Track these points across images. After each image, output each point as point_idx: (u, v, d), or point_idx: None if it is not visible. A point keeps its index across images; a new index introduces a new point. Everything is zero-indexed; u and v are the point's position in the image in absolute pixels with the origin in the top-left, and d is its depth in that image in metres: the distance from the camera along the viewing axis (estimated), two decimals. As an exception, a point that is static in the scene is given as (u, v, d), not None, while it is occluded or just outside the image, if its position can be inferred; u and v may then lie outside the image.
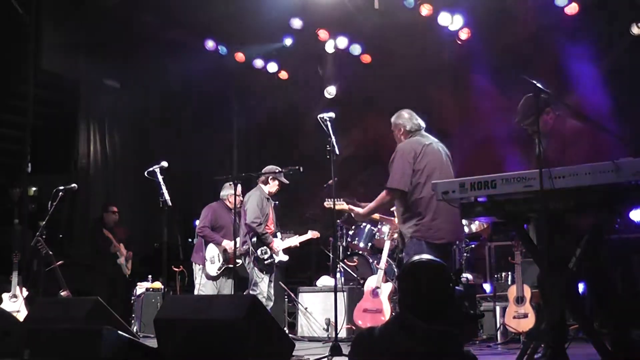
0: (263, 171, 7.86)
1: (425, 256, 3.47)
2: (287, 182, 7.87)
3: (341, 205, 6.48)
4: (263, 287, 7.59)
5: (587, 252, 4.33)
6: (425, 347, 2.99)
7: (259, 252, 7.63)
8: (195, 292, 8.42)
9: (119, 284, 9.65)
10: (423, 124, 6.05)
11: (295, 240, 8.23)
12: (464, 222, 7.61)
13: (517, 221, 4.51)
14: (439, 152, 5.90)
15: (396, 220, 6.29)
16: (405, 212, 5.76)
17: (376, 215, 6.75)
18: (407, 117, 6.05)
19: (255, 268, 7.63)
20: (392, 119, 6.11)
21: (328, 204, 6.71)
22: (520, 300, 7.24)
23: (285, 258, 7.95)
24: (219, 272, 8.30)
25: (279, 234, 7.97)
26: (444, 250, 5.70)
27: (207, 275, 8.35)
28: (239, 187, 7.80)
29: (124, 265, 9.66)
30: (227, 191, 8.49)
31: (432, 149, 5.87)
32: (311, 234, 8.37)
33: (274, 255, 7.68)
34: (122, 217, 10.03)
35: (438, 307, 3.17)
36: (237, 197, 7.42)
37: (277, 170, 7.74)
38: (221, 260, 8.30)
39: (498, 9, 9.31)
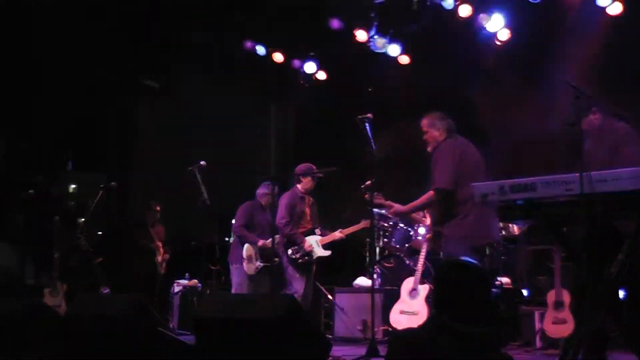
0: (297, 170, 7.89)
1: (463, 257, 3.46)
2: (321, 174, 7.84)
3: (379, 199, 6.42)
4: (298, 286, 7.61)
5: (629, 258, 4.27)
6: (465, 349, 2.98)
7: (289, 251, 7.66)
8: (233, 292, 8.48)
9: (156, 281, 9.76)
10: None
11: (343, 233, 8.11)
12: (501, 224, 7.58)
13: (556, 225, 4.48)
14: (477, 153, 5.93)
15: (427, 219, 6.28)
16: (445, 212, 5.76)
17: (415, 215, 6.74)
18: (442, 118, 6.06)
19: (289, 267, 7.66)
20: (426, 121, 6.11)
21: (368, 196, 6.59)
22: (559, 305, 7.15)
23: (326, 253, 7.90)
24: (256, 271, 8.35)
25: (317, 230, 7.95)
26: (482, 252, 5.72)
27: (244, 275, 8.41)
28: (276, 188, 7.85)
29: (159, 265, 9.77)
30: (262, 190, 8.55)
31: (472, 150, 5.90)
32: (363, 223, 8.17)
33: (310, 253, 7.68)
34: (161, 216, 10.14)
35: (475, 309, 3.16)
36: (272, 197, 7.48)
37: (311, 169, 7.77)
38: (259, 259, 8.35)
39: (537, 8, 9.21)
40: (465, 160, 5.80)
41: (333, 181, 8.13)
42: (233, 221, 8.82)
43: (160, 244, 9.78)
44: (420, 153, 6.10)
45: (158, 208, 9.99)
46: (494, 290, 7.18)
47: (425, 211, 6.89)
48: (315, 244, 7.82)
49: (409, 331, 3.27)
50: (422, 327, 3.25)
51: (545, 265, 7.88)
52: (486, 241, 5.83)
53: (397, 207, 6.16)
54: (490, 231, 5.81)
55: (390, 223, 8.43)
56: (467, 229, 5.64)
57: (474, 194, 4.42)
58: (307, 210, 7.93)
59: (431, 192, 5.81)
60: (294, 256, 7.64)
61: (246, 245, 8.42)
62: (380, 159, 6.79)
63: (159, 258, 9.71)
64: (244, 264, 8.39)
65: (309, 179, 7.85)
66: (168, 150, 11.70)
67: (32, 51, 9.87)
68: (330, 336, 8.43)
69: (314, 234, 7.90)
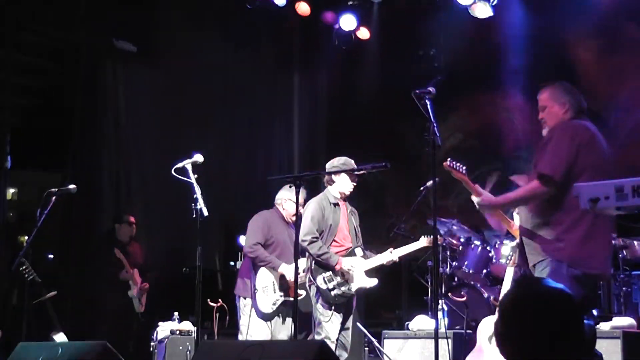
0: (329, 166, 7.89)
1: (547, 281, 3.40)
2: (364, 172, 7.79)
3: (460, 174, 6.36)
4: (330, 329, 7.62)
5: None
6: None
7: (319, 280, 7.68)
8: (241, 336, 8.51)
9: (131, 323, 9.84)
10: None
11: (395, 254, 8.02)
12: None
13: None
14: (605, 148, 5.92)
15: (515, 223, 6.25)
16: (544, 217, 5.75)
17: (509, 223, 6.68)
18: (571, 92, 6.07)
19: (319, 303, 7.68)
20: (547, 93, 6.10)
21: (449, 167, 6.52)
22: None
23: (371, 283, 7.90)
24: (274, 307, 8.38)
25: (358, 250, 7.96)
26: (592, 285, 5.71)
27: (257, 313, 8.45)
28: (302, 194, 7.86)
29: (136, 299, 9.84)
30: (283, 194, 8.59)
31: (601, 143, 5.90)
32: (424, 241, 8.13)
33: (348, 282, 7.68)
34: (138, 232, 10.23)
35: (563, 352, 3.13)
36: (297, 205, 7.44)
37: (349, 165, 7.75)
38: (277, 291, 8.38)
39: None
40: (591, 152, 5.79)
41: (381, 182, 8.12)
42: (242, 238, 8.88)
43: (135, 271, 9.85)
44: (511, 143, 6.08)
45: (132, 220, 10.07)
46: (587, 322, 7.11)
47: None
48: (355, 269, 7.82)
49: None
50: None
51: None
52: (594, 271, 5.79)
53: (486, 196, 6.15)
54: (601, 257, 5.79)
55: (462, 240, 8.41)
56: (570, 249, 5.63)
57: (578, 198, 4.40)
58: (344, 223, 7.93)
59: (535, 182, 5.80)
60: (325, 286, 7.66)
61: (261, 272, 8.46)
62: (447, 150, 6.79)
63: (135, 290, 9.79)
64: (258, 297, 8.43)
65: (345, 178, 7.85)
66: (150, 140, 11.78)
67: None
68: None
69: (354, 255, 7.90)
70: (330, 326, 7.63)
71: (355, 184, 7.89)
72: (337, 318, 7.70)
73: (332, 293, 7.65)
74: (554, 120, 6.03)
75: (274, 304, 8.38)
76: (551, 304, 3.11)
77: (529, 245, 5.87)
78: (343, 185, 7.86)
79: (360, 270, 7.80)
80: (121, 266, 9.78)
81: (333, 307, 7.67)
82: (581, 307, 3.39)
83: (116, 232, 10.07)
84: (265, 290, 8.43)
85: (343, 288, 7.67)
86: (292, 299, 7.91)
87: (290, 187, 8.44)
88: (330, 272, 7.66)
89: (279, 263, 8.35)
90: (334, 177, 7.86)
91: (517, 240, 6.31)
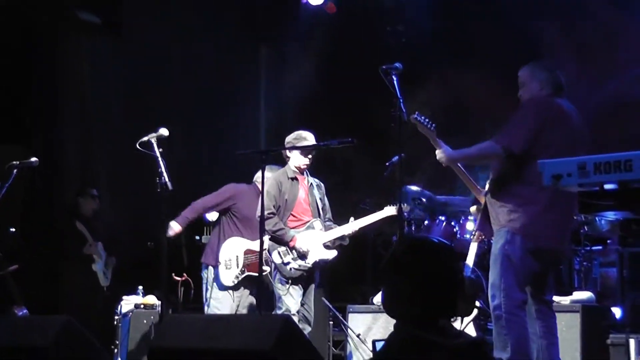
0: (288, 140, 7.88)
1: (421, 235, 3.45)
2: (318, 144, 7.75)
3: (427, 129, 6.37)
4: (290, 302, 7.59)
5: None
6: None
7: (274, 255, 7.69)
8: (207, 310, 8.53)
9: (95, 297, 9.82)
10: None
11: (356, 224, 7.97)
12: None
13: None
14: (579, 128, 6.02)
15: (483, 197, 6.31)
16: (505, 188, 5.84)
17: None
18: (548, 69, 6.16)
19: (277, 277, 7.68)
20: (526, 71, 6.19)
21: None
22: (665, 331, 7.22)
23: (329, 255, 7.86)
24: (235, 281, 8.39)
25: (317, 223, 7.92)
26: (552, 259, 5.82)
27: (219, 285, 8.47)
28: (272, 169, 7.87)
29: (101, 273, 9.81)
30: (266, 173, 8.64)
31: (574, 122, 5.99)
32: (388, 211, 8.06)
33: (304, 255, 7.66)
34: (102, 205, 10.19)
35: (445, 304, 3.17)
36: (264, 180, 7.44)
37: (302, 139, 7.74)
38: (240, 265, 8.38)
39: None
40: (559, 128, 5.86)
41: (348, 157, 8.12)
42: (208, 216, 8.91)
43: (99, 245, 9.82)
44: (482, 118, 6.14)
45: (96, 193, 10.03)
46: (468, 276, 7.18)
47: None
48: (312, 242, 7.78)
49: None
50: (383, 350, 3.23)
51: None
52: (549, 246, 5.90)
53: (447, 150, 6.21)
54: (557, 233, 5.89)
55: (422, 203, 8.37)
56: (526, 221, 5.72)
57: (541, 174, 4.45)
58: (303, 196, 7.87)
59: (490, 142, 5.92)
60: (280, 260, 7.64)
61: (226, 243, 8.46)
62: (413, 126, 6.81)
63: (99, 265, 9.76)
64: (220, 270, 8.45)
65: (296, 154, 7.81)
66: (114, 113, 11.72)
67: None
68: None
69: (312, 228, 7.87)
70: (289, 300, 7.63)
71: (308, 158, 7.83)
72: (296, 291, 7.68)
73: (288, 267, 7.65)
74: (529, 96, 6.12)
75: (236, 278, 8.39)
76: (431, 254, 3.18)
77: (491, 212, 5.99)
78: (296, 160, 7.84)
79: (318, 243, 7.77)
80: (83, 240, 9.73)
81: (290, 281, 7.67)
82: (456, 256, 3.44)
83: (79, 205, 10.02)
84: (228, 263, 8.44)
85: (299, 262, 7.67)
86: (254, 274, 7.95)
87: (275, 167, 8.45)
88: (285, 248, 7.66)
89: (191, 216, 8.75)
90: (288, 152, 7.84)
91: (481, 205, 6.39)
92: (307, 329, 7.64)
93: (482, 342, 3.09)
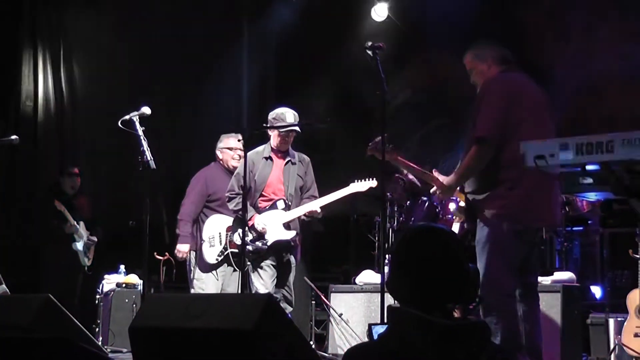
0: (269, 119, 7.80)
1: (423, 224, 3.50)
2: (291, 122, 7.65)
3: (396, 157, 6.33)
4: (258, 284, 7.54)
5: None
6: (451, 351, 3.01)
7: (235, 236, 7.70)
8: (192, 292, 8.53)
9: (76, 277, 9.81)
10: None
11: (319, 202, 7.81)
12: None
13: (641, 199, 4.52)
14: (541, 96, 5.99)
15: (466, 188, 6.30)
16: (486, 178, 5.81)
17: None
18: (491, 46, 6.12)
19: (246, 259, 7.64)
20: (469, 54, 6.16)
21: (372, 151, 6.43)
22: (643, 311, 7.27)
23: (289, 235, 7.74)
24: (219, 259, 8.37)
25: (280, 203, 7.77)
26: (532, 239, 5.83)
27: (204, 265, 8.46)
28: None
29: (81, 253, 9.79)
30: (223, 143, 8.61)
31: (532, 91, 5.95)
32: (355, 187, 7.83)
33: (261, 237, 7.62)
34: (84, 184, 10.16)
35: (449, 290, 3.21)
36: (246, 158, 7.38)
37: (281, 119, 7.71)
38: (223, 242, 8.35)
39: None
40: (524, 102, 5.84)
41: (330, 137, 8.10)
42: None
43: (80, 224, 9.79)
44: (464, 99, 6.12)
45: (76, 171, 10.00)
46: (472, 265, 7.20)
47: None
48: (271, 222, 7.73)
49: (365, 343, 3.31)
50: (384, 334, 3.26)
51: (626, 255, 7.94)
52: (540, 224, 5.89)
53: (442, 181, 6.08)
54: (546, 210, 5.87)
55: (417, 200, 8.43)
56: (514, 204, 5.70)
57: (524, 155, 4.46)
58: (277, 177, 7.81)
59: (474, 148, 5.84)
60: (242, 242, 7.55)
61: (209, 221, 8.44)
62: (397, 107, 6.81)
63: (80, 244, 9.74)
64: (203, 248, 8.42)
65: (274, 133, 7.76)
66: (95, 90, 11.67)
67: None
68: (323, 353, 8.53)
69: (275, 207, 7.82)
70: (257, 281, 7.57)
71: (286, 140, 7.76)
72: (266, 272, 7.61)
73: (252, 248, 7.63)
74: (482, 79, 6.09)
75: (219, 255, 8.37)
76: (435, 240, 3.21)
77: (473, 205, 5.94)
78: (274, 140, 7.81)
79: (277, 222, 7.72)
80: (64, 219, 9.70)
81: (255, 263, 7.64)
82: (463, 246, 3.48)
83: (61, 184, 9.99)
84: (212, 241, 8.42)
85: (257, 243, 7.63)
86: (236, 251, 7.95)
87: (229, 136, 8.47)
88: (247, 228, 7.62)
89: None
90: (269, 130, 7.80)
91: (462, 202, 6.37)
92: (288, 309, 7.62)
93: (485, 325, 3.13)
